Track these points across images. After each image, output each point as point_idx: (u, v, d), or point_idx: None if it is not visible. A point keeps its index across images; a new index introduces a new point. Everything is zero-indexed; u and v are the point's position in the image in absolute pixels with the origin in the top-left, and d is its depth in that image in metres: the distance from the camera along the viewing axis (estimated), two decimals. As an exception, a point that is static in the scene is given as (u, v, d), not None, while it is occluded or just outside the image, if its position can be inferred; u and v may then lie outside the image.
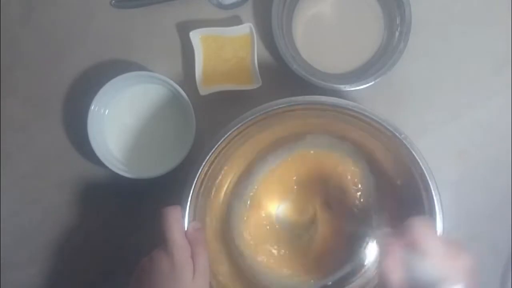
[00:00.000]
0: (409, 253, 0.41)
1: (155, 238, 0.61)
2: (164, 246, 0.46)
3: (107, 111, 0.59)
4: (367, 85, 0.57)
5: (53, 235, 0.62)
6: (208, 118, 0.60)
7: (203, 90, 0.59)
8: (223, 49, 0.60)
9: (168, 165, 0.57)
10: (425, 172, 0.50)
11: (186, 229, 0.49)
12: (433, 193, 0.50)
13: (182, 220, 0.49)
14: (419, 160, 0.50)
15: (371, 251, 0.58)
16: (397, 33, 0.59)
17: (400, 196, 0.56)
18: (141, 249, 0.61)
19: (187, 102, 0.57)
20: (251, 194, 0.58)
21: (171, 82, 0.57)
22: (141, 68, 0.61)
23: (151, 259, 0.46)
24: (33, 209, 0.62)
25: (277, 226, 0.58)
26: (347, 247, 0.58)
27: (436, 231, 0.42)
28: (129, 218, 0.61)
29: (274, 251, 0.58)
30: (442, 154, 0.61)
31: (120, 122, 0.60)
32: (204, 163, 0.51)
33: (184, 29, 0.61)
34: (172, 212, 0.47)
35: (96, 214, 0.62)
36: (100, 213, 0.62)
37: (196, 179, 0.51)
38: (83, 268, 0.62)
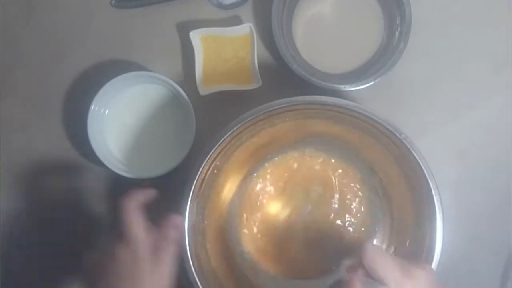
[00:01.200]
0: (368, 282, 0.41)
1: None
2: (123, 240, 0.45)
3: (107, 111, 0.59)
4: (367, 85, 0.57)
5: (53, 235, 0.62)
6: (208, 118, 0.60)
7: (203, 90, 0.59)
8: (223, 49, 0.60)
9: (168, 165, 0.57)
10: (425, 172, 0.50)
11: (166, 220, 0.48)
12: (433, 193, 0.50)
13: (140, 212, 0.46)
14: (419, 160, 0.50)
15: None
16: (397, 33, 0.59)
17: (399, 197, 0.56)
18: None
19: (187, 102, 0.57)
20: (251, 194, 0.58)
21: (171, 82, 0.57)
22: (141, 68, 0.61)
23: (110, 254, 0.45)
24: (33, 209, 0.62)
25: (277, 226, 0.58)
26: (345, 249, 0.58)
27: (387, 255, 0.42)
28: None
29: (275, 251, 0.58)
30: (442, 154, 0.61)
31: (120, 122, 0.60)
32: (204, 163, 0.51)
33: (184, 29, 0.61)
34: (129, 205, 0.46)
35: (96, 214, 0.62)
36: (100, 213, 0.62)
37: (196, 179, 0.51)
38: (83, 268, 0.62)
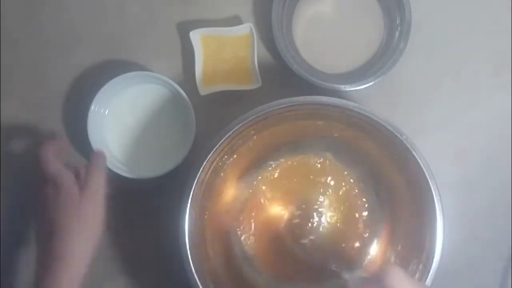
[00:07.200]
0: None
1: (155, 238, 0.61)
2: (53, 186, 0.50)
3: (107, 111, 0.59)
4: (367, 85, 0.57)
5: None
6: (208, 118, 0.60)
7: (203, 90, 0.59)
8: (223, 49, 0.60)
9: (168, 165, 0.57)
10: (425, 172, 0.50)
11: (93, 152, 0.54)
12: (433, 193, 0.50)
13: (58, 160, 0.52)
14: (419, 161, 0.50)
15: (367, 257, 0.58)
16: (397, 33, 0.59)
17: (400, 197, 0.56)
18: (141, 249, 0.61)
19: (187, 102, 0.57)
20: (251, 195, 0.58)
21: (171, 82, 0.57)
22: (141, 68, 0.61)
23: (44, 198, 0.50)
24: (33, 209, 0.62)
25: (278, 228, 0.58)
26: (346, 251, 0.58)
27: (411, 280, 0.42)
28: (129, 218, 0.61)
29: (276, 253, 0.58)
30: (442, 154, 0.61)
31: (120, 122, 0.60)
32: (204, 163, 0.51)
33: (184, 29, 0.61)
34: (48, 154, 0.51)
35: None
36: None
37: (196, 179, 0.51)
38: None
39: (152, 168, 0.58)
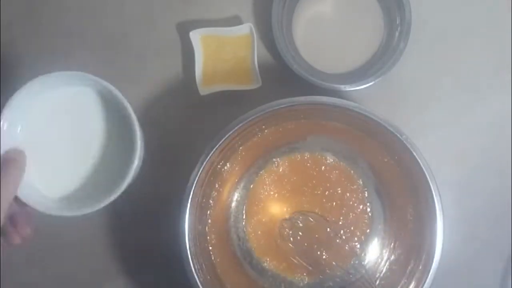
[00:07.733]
0: None
1: (155, 238, 0.61)
2: None
3: (19, 127, 0.45)
4: (367, 85, 0.57)
5: (53, 235, 0.62)
6: (208, 118, 0.60)
7: (203, 90, 0.59)
8: (223, 49, 0.60)
9: (111, 192, 0.46)
10: (425, 172, 0.50)
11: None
12: (434, 193, 0.50)
13: None
14: (419, 161, 0.50)
15: (367, 256, 0.58)
16: (397, 33, 0.59)
17: (400, 198, 0.56)
18: (141, 249, 0.61)
19: (126, 106, 0.45)
20: (251, 194, 0.58)
21: (104, 83, 0.45)
22: (141, 68, 0.61)
23: None
24: (32, 209, 0.62)
25: (277, 225, 0.58)
26: (342, 250, 0.58)
27: None
28: (129, 218, 0.61)
29: (278, 251, 0.58)
30: (442, 154, 0.61)
31: (38, 142, 0.46)
32: (204, 163, 0.51)
33: (184, 29, 0.61)
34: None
35: (96, 214, 0.62)
36: (100, 214, 0.62)
37: (196, 180, 0.51)
38: (83, 268, 0.62)
39: (90, 201, 0.46)
